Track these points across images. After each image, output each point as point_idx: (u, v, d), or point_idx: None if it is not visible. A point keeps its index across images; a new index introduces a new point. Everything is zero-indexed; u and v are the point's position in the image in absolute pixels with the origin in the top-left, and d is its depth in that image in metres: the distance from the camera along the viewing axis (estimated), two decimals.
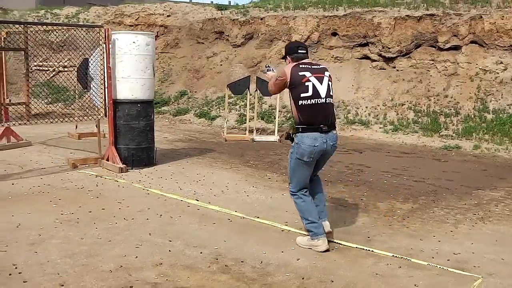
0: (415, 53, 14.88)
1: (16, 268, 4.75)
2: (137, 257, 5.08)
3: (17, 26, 9.51)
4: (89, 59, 9.61)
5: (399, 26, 14.95)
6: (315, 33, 16.31)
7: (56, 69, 19.57)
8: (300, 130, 5.45)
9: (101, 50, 8.90)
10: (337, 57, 16.01)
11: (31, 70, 19.91)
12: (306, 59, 5.65)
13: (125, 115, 8.91)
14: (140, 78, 8.88)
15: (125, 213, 6.46)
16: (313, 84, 5.42)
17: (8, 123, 9.82)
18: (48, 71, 19.68)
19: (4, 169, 8.78)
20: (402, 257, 5.31)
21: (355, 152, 11.42)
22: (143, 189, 7.68)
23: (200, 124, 15.25)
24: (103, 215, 6.37)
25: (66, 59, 19.74)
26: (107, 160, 8.96)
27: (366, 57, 15.69)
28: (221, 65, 17.92)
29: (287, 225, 6.24)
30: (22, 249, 5.20)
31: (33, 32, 9.47)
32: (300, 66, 5.51)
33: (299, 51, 5.65)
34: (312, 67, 5.57)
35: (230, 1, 41.37)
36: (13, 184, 7.81)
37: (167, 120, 15.82)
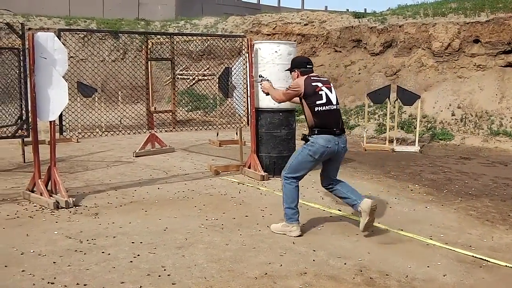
0: None
1: (165, 270, 4.87)
2: (281, 265, 5.06)
3: (158, 36, 9.89)
4: (231, 68, 9.79)
5: None
6: (456, 40, 15.70)
7: (196, 77, 20.24)
8: (316, 132, 6.01)
9: (243, 59, 9.05)
10: (479, 65, 15.30)
11: (169, 81, 20.71)
12: (313, 73, 6.27)
13: (267, 123, 9.00)
14: (282, 87, 8.90)
15: (268, 221, 6.48)
16: (325, 93, 6.06)
17: (154, 130, 10.22)
18: (189, 80, 20.38)
19: (150, 174, 9.15)
20: None
21: (500, 164, 10.84)
22: None
23: None
24: (247, 222, 6.43)
25: (205, 68, 20.37)
26: (249, 167, 9.07)
27: (510, 65, 14.88)
28: (359, 73, 17.70)
29: (431, 239, 5.99)
30: (170, 252, 5.34)
31: (177, 42, 9.82)
32: (311, 78, 6.14)
33: (307, 66, 6.28)
34: (320, 78, 6.22)
35: (366, 9, 40.99)
36: (158, 188, 8.11)
37: (305, 129, 15.79)
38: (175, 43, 9.38)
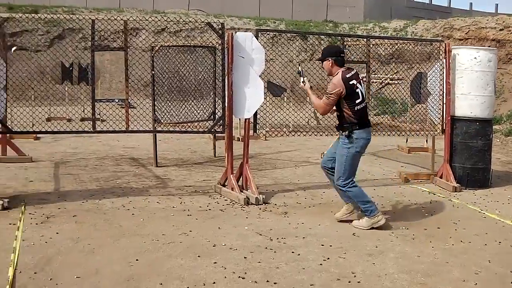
0: None
1: (355, 276, 4.84)
2: (476, 283, 4.80)
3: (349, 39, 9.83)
4: (424, 73, 9.49)
5: None
6: None
7: (384, 81, 19.93)
8: (357, 127, 6.09)
9: (440, 65, 8.74)
10: None
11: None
12: (344, 66, 6.22)
13: (462, 133, 8.62)
14: (480, 96, 8.52)
15: (461, 235, 6.19)
16: (360, 90, 6.13)
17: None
18: (376, 83, 20.13)
19: None
20: None
21: None
22: (479, 212, 7.30)
23: None
24: (439, 234, 6.19)
25: (393, 72, 20.01)
26: (440, 177, 8.74)
27: None
28: None
29: None
30: (360, 258, 5.29)
31: (365, 45, 9.71)
32: (347, 75, 6.06)
33: (341, 55, 6.20)
34: (352, 74, 6.12)
35: None
36: None
37: (498, 140, 14.96)
38: (371, 46, 9.25)
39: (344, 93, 6.01)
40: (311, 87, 6.55)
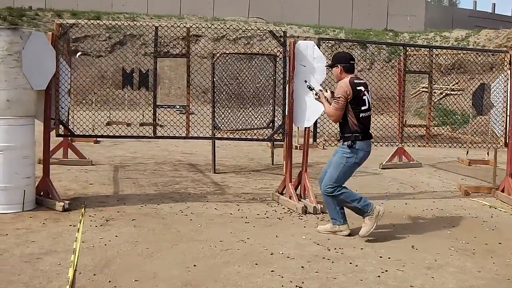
0: None
1: None
2: None
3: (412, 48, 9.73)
4: (487, 85, 9.29)
5: None
6: None
7: (444, 91, 19.62)
8: (360, 138, 6.00)
9: (505, 76, 8.56)
10: None
11: (417, 93, 20.34)
12: (353, 73, 6.14)
13: None
14: None
15: None
16: (367, 98, 6.05)
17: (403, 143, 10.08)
18: (436, 94, 19.83)
19: (396, 188, 9.08)
20: None
21: None
22: None
23: None
24: (500, 250, 6.03)
25: (454, 82, 19.68)
26: (502, 191, 8.52)
27: None
28: None
29: None
30: (419, 272, 5.21)
31: (426, 55, 9.59)
32: (355, 81, 6.01)
33: (351, 62, 6.13)
34: (360, 81, 6.10)
35: None
36: (406, 203, 8.00)
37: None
38: (433, 56, 9.13)
39: (351, 96, 5.95)
40: (326, 98, 6.33)
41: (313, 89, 6.57)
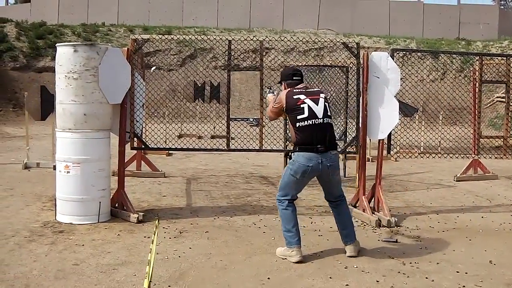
0: None
1: None
2: None
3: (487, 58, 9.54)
4: None
5: None
6: None
7: None
8: (297, 149, 5.72)
9: None
10: None
11: (491, 103, 19.83)
12: (301, 84, 5.96)
13: None
14: None
15: None
16: (308, 105, 5.72)
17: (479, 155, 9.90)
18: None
19: (472, 201, 8.88)
20: None
21: None
22: None
23: None
24: None
25: None
26: None
27: None
28: None
29: None
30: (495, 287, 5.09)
31: (500, 64, 9.37)
32: (294, 90, 5.85)
33: (293, 78, 5.98)
34: (307, 90, 5.88)
35: None
36: (482, 217, 7.81)
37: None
38: (511, 65, 8.91)
39: (284, 106, 5.86)
40: (274, 96, 6.37)
41: (273, 92, 6.68)
